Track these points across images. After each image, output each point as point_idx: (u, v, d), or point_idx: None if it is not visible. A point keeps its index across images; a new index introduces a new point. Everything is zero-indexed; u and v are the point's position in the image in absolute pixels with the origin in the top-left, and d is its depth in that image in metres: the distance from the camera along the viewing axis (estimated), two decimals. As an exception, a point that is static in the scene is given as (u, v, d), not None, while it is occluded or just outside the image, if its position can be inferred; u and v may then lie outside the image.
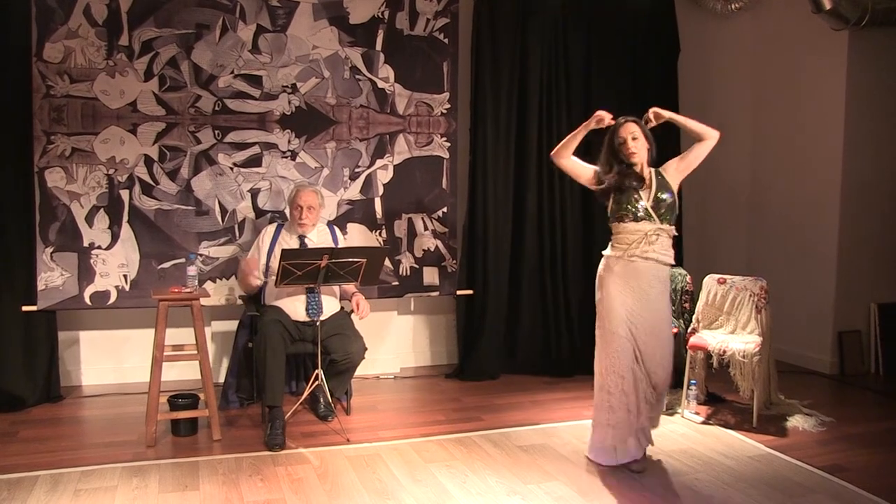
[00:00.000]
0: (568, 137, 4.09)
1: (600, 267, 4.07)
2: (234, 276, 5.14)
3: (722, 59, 6.81)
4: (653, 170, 4.01)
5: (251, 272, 4.72)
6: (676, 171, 4.05)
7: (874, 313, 6.05)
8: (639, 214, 3.92)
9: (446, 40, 5.71)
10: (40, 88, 4.91)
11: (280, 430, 4.36)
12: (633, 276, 3.93)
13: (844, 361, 5.94)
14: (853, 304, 6.01)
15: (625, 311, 3.93)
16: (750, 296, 5.00)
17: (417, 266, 5.75)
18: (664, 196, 3.95)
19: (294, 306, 4.66)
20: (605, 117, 3.99)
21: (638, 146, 3.94)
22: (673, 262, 4.01)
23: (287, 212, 4.99)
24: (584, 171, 4.14)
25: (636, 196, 3.93)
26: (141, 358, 5.28)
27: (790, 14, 6.12)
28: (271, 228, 4.91)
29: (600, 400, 4.02)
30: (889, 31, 5.77)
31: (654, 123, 4.04)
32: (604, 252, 4.09)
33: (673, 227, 3.99)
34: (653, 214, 3.92)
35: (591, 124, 4.02)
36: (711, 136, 4.01)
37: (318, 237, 4.90)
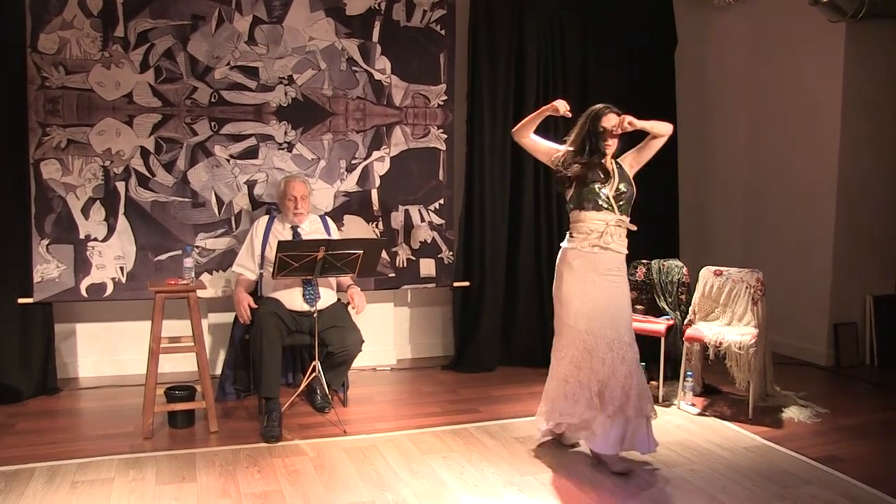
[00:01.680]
0: (528, 118, 4.06)
1: (558, 259, 4.03)
2: (230, 268, 5.13)
3: (719, 52, 6.81)
4: (615, 161, 4.01)
5: (241, 303, 4.71)
6: (633, 163, 4.06)
7: (869, 305, 6.06)
8: (600, 203, 3.89)
9: (443, 32, 5.69)
10: (35, 80, 4.89)
11: (276, 421, 4.36)
12: (593, 268, 3.89)
13: (840, 353, 5.95)
14: (849, 296, 6.02)
15: (582, 303, 3.89)
16: (746, 288, 5.01)
17: (414, 258, 5.75)
18: (625, 188, 3.94)
19: (291, 297, 4.67)
20: (560, 108, 3.93)
21: (615, 141, 3.95)
22: (626, 252, 3.99)
23: (279, 204, 4.98)
24: (543, 148, 4.11)
25: (598, 185, 3.89)
26: (137, 350, 5.27)
27: (787, 6, 6.11)
28: (264, 220, 4.92)
29: (557, 391, 3.98)
30: (886, 23, 5.76)
31: (626, 130, 3.94)
32: (562, 243, 4.04)
33: (628, 219, 3.96)
34: (613, 205, 3.89)
35: (546, 111, 3.98)
36: (666, 132, 4.02)
37: (311, 227, 4.90)
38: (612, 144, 3.93)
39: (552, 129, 5.06)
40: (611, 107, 3.96)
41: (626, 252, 3.98)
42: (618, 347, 3.86)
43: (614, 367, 3.85)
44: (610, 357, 3.85)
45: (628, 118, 3.89)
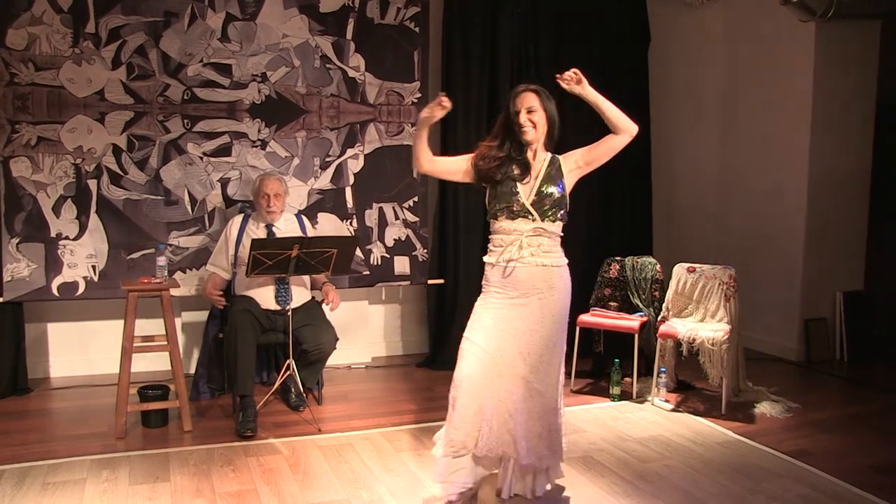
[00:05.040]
0: (414, 141, 3.36)
1: (483, 276, 3.37)
2: (203, 267, 5.10)
3: (692, 50, 6.86)
4: (550, 156, 3.34)
5: (211, 293, 4.75)
6: (579, 162, 3.35)
7: (839, 301, 6.14)
8: (514, 209, 3.24)
9: (417, 29, 5.69)
10: (3, 76, 4.83)
11: (252, 417, 4.35)
12: (514, 285, 3.25)
13: (811, 349, 6.02)
14: (819, 293, 6.09)
15: (497, 324, 3.24)
16: (719, 284, 5.05)
17: (388, 255, 5.74)
18: (549, 189, 3.25)
19: (264, 295, 4.65)
20: (442, 103, 3.21)
21: (535, 120, 3.25)
22: (564, 262, 3.35)
23: (254, 202, 4.96)
24: (454, 167, 3.43)
25: (514, 188, 3.25)
26: (110, 349, 5.22)
27: (759, 5, 6.17)
28: (238, 219, 4.89)
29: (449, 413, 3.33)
30: (855, 24, 5.84)
31: (572, 85, 3.25)
32: (484, 258, 3.39)
33: (558, 225, 3.30)
34: (532, 211, 3.23)
35: (428, 120, 3.26)
36: (629, 129, 3.29)
37: (286, 226, 4.88)
38: (528, 128, 3.23)
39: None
40: (531, 85, 3.33)
41: (562, 262, 3.34)
42: (527, 385, 3.25)
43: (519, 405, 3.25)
44: (518, 394, 3.24)
45: (575, 70, 3.23)
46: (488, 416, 3.22)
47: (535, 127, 3.26)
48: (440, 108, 3.22)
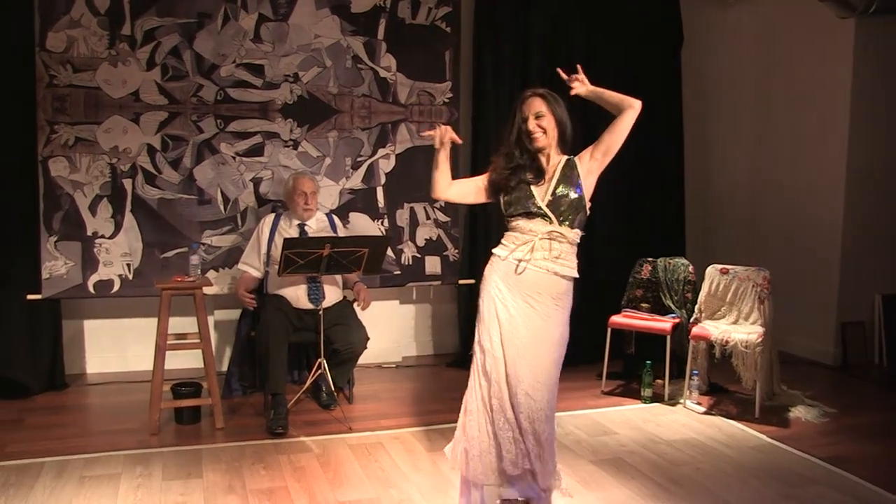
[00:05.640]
0: (433, 170, 3.29)
1: (487, 266, 3.26)
2: (235, 265, 5.15)
3: (726, 49, 6.78)
4: (565, 158, 3.22)
5: (243, 294, 4.78)
6: (596, 155, 3.21)
7: (878, 304, 6.03)
8: (532, 211, 3.13)
9: (448, 29, 5.69)
10: (43, 78, 4.91)
11: (283, 415, 4.38)
12: (518, 286, 3.13)
13: (847, 352, 5.92)
14: (857, 295, 5.99)
15: (498, 321, 3.16)
16: (753, 286, 4.99)
17: (419, 255, 5.75)
18: (565, 191, 3.13)
19: (296, 295, 4.68)
20: (442, 135, 3.23)
21: (544, 125, 3.15)
22: (575, 276, 3.19)
23: (286, 201, 4.99)
24: (470, 187, 3.35)
25: (528, 192, 3.14)
26: (144, 346, 5.29)
27: (795, 2, 6.08)
28: (270, 218, 4.92)
29: (460, 421, 3.28)
30: (896, 19, 5.73)
31: (579, 90, 3.20)
32: (494, 249, 3.27)
33: (576, 232, 3.16)
34: (548, 213, 3.11)
35: (441, 149, 3.25)
36: (632, 105, 3.13)
37: (317, 225, 4.91)
38: (538, 134, 3.14)
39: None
40: (538, 89, 3.22)
41: (573, 274, 3.18)
42: (527, 383, 3.14)
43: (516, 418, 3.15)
44: (514, 391, 3.14)
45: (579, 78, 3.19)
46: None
47: (544, 132, 3.15)
48: (449, 140, 3.20)
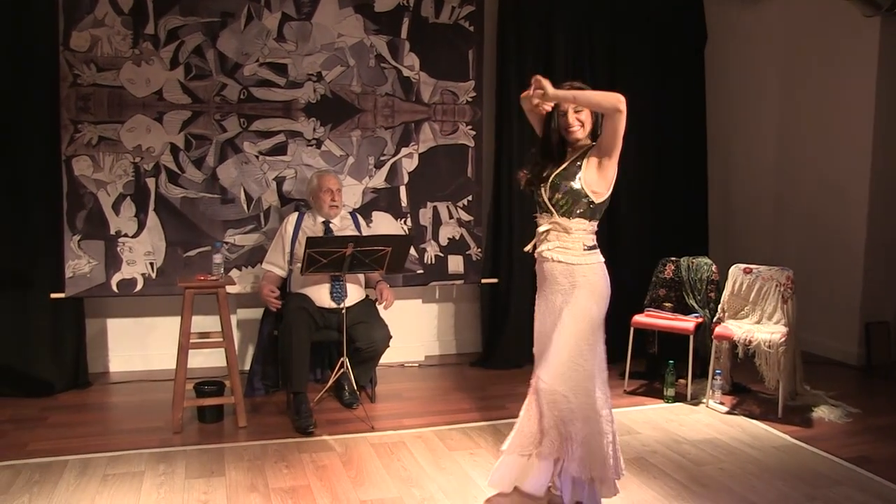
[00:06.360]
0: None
1: None
2: (259, 265, 5.17)
3: (749, 47, 6.73)
4: (579, 151, 3.28)
5: (268, 295, 4.77)
6: (596, 154, 3.22)
7: (903, 304, 5.98)
8: (541, 206, 3.29)
9: (471, 28, 5.68)
10: (67, 77, 4.95)
11: (308, 413, 4.40)
12: (541, 277, 3.33)
13: (871, 352, 5.86)
14: (881, 295, 5.93)
15: (539, 313, 3.33)
16: (776, 286, 4.96)
17: (442, 254, 5.75)
18: (561, 182, 3.19)
19: (319, 293, 4.69)
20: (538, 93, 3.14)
21: (583, 119, 3.23)
22: (584, 261, 3.22)
23: (310, 200, 5.00)
24: None
25: (539, 187, 3.27)
26: (167, 345, 5.32)
27: (819, 1, 6.03)
28: (293, 217, 4.94)
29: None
30: (922, 18, 5.67)
31: (542, 101, 3.16)
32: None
33: (578, 222, 3.21)
34: (549, 207, 3.24)
35: (535, 107, 3.22)
36: (614, 104, 3.05)
37: (342, 223, 4.92)
38: (576, 127, 3.22)
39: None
40: (574, 83, 3.24)
41: (583, 261, 3.22)
42: (546, 389, 3.19)
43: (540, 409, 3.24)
44: (538, 369, 3.26)
45: (539, 80, 3.13)
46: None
47: (582, 126, 3.23)
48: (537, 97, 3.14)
